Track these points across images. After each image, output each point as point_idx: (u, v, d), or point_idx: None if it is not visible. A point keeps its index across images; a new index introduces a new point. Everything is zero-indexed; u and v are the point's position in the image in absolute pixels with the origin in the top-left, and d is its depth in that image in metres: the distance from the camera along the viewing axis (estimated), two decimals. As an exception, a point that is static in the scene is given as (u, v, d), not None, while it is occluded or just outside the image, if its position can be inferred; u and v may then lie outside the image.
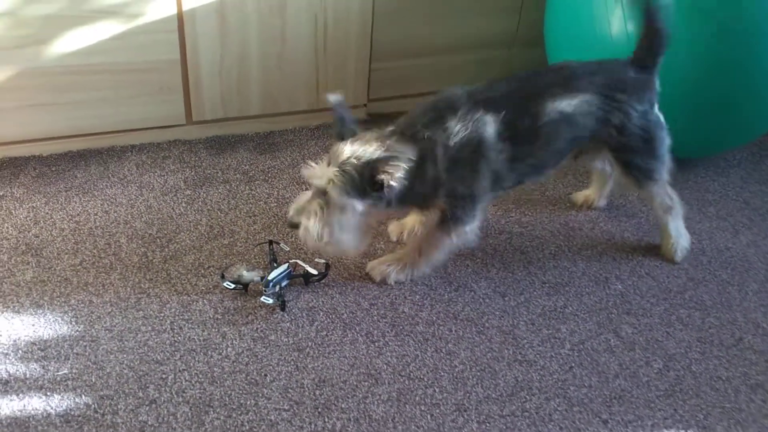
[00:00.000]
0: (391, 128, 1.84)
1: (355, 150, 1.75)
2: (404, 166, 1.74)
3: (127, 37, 2.35)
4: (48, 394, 1.64)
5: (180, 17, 2.38)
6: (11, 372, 1.68)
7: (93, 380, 1.68)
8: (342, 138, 1.81)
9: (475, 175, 1.85)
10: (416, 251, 1.98)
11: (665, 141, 2.01)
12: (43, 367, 1.70)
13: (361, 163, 1.74)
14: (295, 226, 1.81)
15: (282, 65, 2.59)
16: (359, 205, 1.78)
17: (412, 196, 1.83)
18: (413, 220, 2.15)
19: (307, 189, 1.87)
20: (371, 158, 1.73)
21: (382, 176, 1.73)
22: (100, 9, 2.28)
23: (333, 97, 1.84)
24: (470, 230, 1.93)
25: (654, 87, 1.98)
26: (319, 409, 1.65)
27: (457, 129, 1.80)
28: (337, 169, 1.75)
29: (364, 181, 1.74)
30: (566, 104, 1.89)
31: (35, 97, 2.35)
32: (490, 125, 1.84)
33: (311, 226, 1.78)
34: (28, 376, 1.68)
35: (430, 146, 1.79)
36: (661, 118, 2.00)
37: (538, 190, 2.48)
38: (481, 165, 1.85)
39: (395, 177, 1.73)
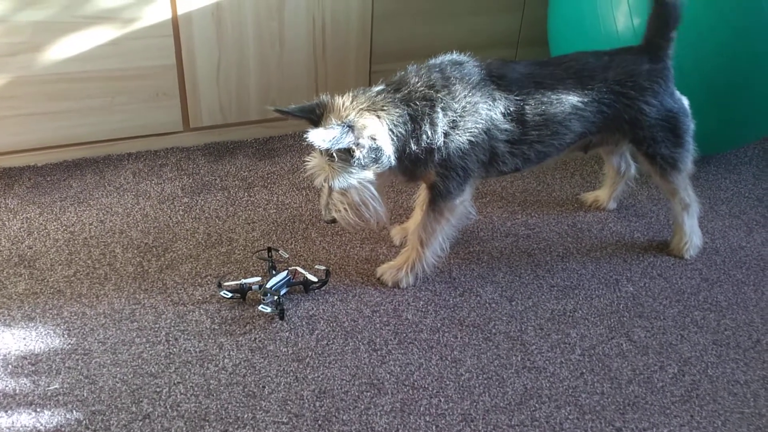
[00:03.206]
0: (379, 87, 1.80)
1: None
2: (372, 134, 1.72)
3: (121, 43, 2.31)
4: (38, 410, 1.58)
5: (175, 22, 2.34)
6: (0, 387, 1.63)
7: (85, 395, 1.62)
8: (316, 122, 1.77)
9: (472, 148, 1.82)
10: (418, 243, 1.94)
11: (689, 127, 1.97)
12: (34, 382, 1.64)
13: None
14: (333, 221, 1.85)
15: (281, 69, 2.54)
16: (369, 174, 1.77)
17: (406, 158, 1.79)
18: (415, 223, 2.10)
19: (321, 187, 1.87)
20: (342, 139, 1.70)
21: (356, 150, 1.72)
22: (93, 14, 2.24)
23: (272, 108, 1.81)
24: (460, 202, 1.90)
25: (670, 75, 1.93)
26: (320, 422, 1.58)
27: (465, 94, 1.78)
28: (327, 158, 1.73)
29: (352, 156, 1.74)
30: (578, 99, 1.87)
31: (29, 105, 2.31)
32: (499, 102, 1.83)
33: (343, 216, 1.81)
34: (17, 391, 1.62)
35: (429, 106, 1.76)
36: (684, 102, 1.96)
37: (545, 191, 2.41)
38: (481, 138, 1.82)
39: (366, 145, 1.72)
